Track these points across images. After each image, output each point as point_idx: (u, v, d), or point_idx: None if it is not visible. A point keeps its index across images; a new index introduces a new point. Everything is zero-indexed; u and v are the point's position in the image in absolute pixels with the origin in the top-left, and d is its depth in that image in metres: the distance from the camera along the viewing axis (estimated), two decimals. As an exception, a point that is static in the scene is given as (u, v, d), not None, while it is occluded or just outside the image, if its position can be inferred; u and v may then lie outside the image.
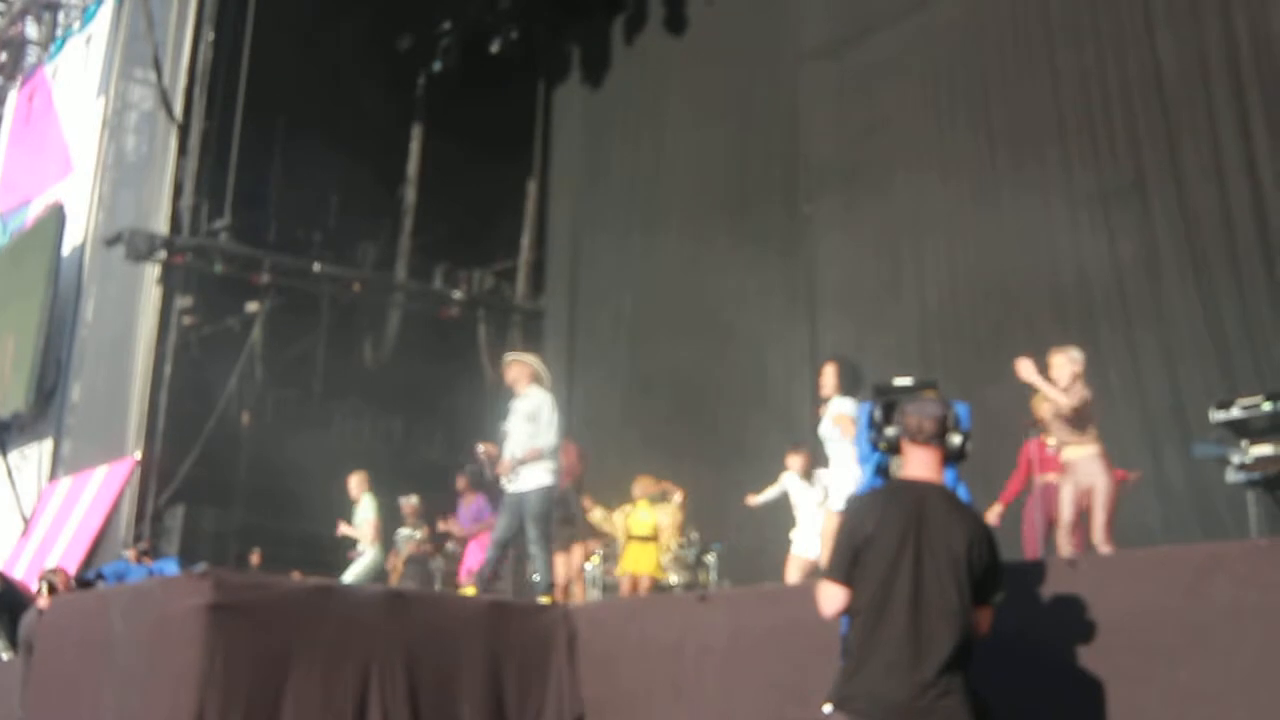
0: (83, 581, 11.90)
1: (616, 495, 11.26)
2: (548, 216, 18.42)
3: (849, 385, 7.80)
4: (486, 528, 11.25)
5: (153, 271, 15.66)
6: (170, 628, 6.64)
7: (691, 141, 15.37)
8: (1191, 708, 4.78)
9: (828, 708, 3.93)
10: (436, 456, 17.79)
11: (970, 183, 11.89)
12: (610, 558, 11.49)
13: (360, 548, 11.72)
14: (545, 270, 18.42)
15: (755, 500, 9.85)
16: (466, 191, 17.60)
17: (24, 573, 14.64)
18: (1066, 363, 7.39)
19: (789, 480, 9.50)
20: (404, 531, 12.27)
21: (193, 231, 15.79)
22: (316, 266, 16.98)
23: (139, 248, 15.21)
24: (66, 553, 15.03)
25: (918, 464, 4.19)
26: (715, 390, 13.28)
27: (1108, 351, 10.24)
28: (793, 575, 8.75)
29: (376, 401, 18.14)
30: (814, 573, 8.51)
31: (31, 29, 23.23)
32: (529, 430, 8.45)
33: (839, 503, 7.63)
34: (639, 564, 10.76)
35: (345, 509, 11.91)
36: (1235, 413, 7.97)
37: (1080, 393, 7.27)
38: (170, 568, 11.65)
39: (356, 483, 11.73)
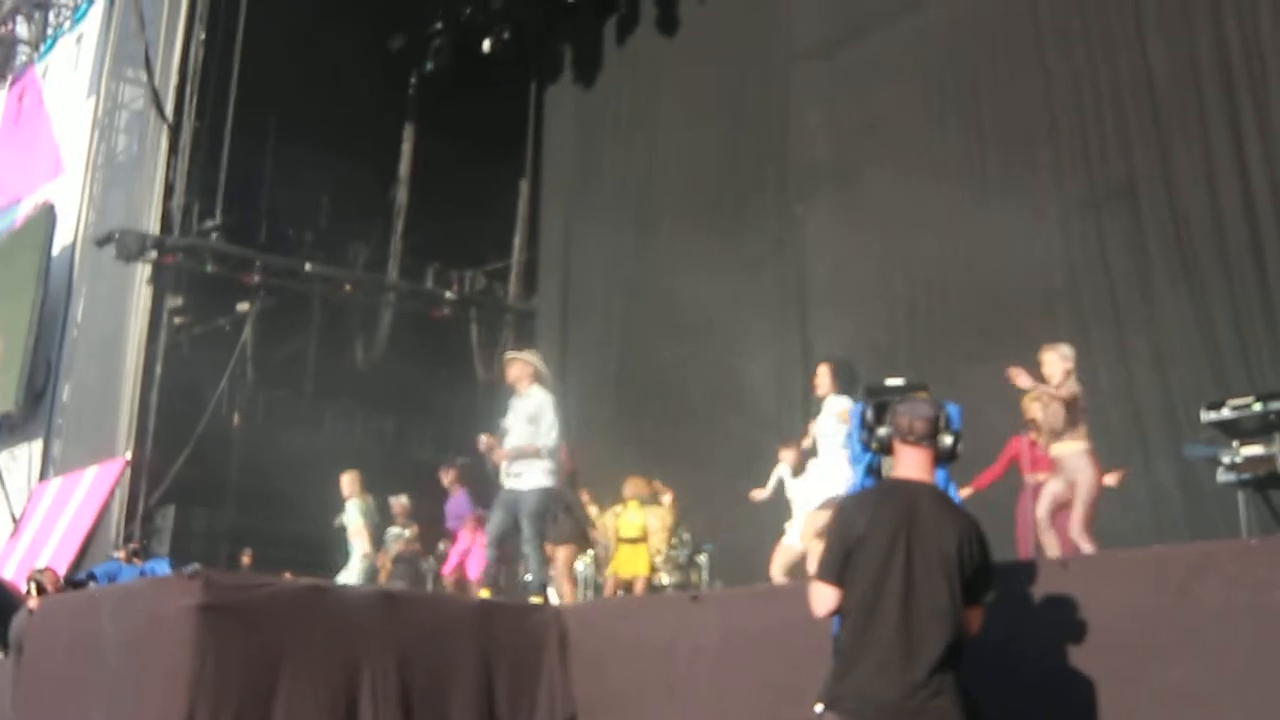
0: (74, 582, 11.89)
1: (607, 496, 11.27)
2: (540, 216, 18.40)
3: (844, 385, 7.82)
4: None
5: (143, 271, 15.62)
6: (161, 628, 6.62)
7: (683, 142, 15.37)
8: (1183, 708, 4.79)
9: (819, 708, 3.93)
10: (428, 457, 17.75)
11: (961, 184, 11.90)
12: (603, 559, 11.48)
13: (352, 548, 11.70)
14: (537, 270, 18.41)
15: (759, 495, 9.85)
16: (458, 191, 17.57)
17: (14, 573, 14.62)
18: (1058, 359, 7.41)
19: (782, 472, 9.52)
20: (393, 530, 12.26)
21: (183, 231, 15.75)
22: (308, 266, 16.95)
23: (130, 247, 15.18)
24: (56, 553, 14.98)
25: (909, 464, 4.20)
26: (707, 390, 13.28)
27: (1098, 353, 10.26)
28: (777, 566, 8.73)
29: (368, 402, 18.11)
30: (798, 566, 8.53)
31: (22, 28, 23.18)
32: (529, 431, 8.41)
33: (823, 500, 7.65)
34: (628, 566, 10.77)
35: (337, 509, 11.90)
36: (1226, 413, 8.02)
37: (1072, 388, 7.28)
38: (162, 568, 11.64)
39: (348, 482, 11.71)
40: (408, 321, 18.19)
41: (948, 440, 4.21)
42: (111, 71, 18.34)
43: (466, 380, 18.18)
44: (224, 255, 16.07)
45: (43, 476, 17.56)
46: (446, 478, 11.89)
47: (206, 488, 15.73)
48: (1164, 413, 9.84)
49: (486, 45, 17.11)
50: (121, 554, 13.19)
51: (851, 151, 13.08)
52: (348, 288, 17.61)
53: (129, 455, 15.02)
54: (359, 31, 17.05)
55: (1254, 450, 7.88)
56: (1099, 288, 10.60)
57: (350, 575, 11.46)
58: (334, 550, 12.09)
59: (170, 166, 15.79)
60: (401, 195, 18.42)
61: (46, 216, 18.52)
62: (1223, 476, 8.12)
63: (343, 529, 11.78)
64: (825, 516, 7.62)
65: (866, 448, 4.79)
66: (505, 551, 8.49)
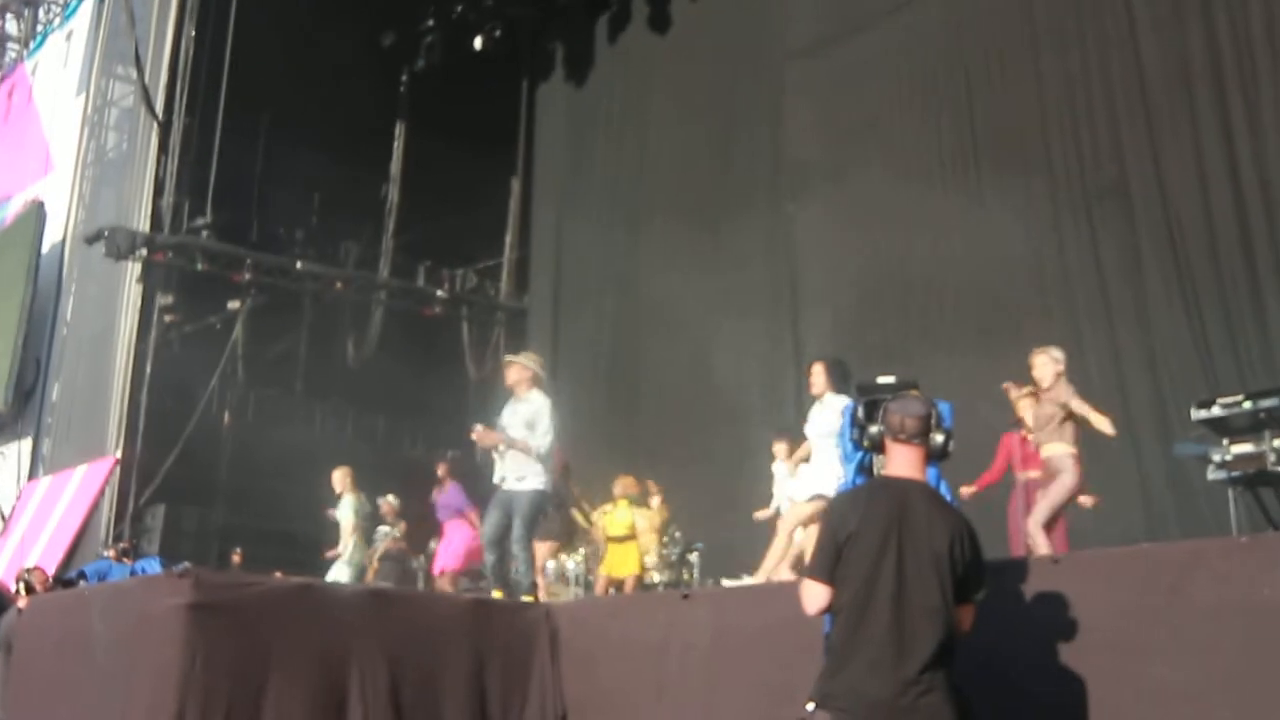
0: (64, 581, 11.85)
1: (598, 494, 11.28)
2: (531, 215, 18.40)
3: (839, 384, 7.82)
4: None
5: (133, 269, 15.57)
6: (150, 627, 6.60)
7: (675, 140, 15.37)
8: (1173, 705, 4.79)
9: (810, 706, 3.93)
10: (419, 455, 17.75)
11: (953, 183, 11.92)
12: (593, 557, 11.49)
13: (341, 546, 11.68)
14: (528, 268, 18.39)
15: (762, 515, 9.88)
16: (450, 189, 17.56)
17: (2, 572, 14.54)
18: (1049, 361, 7.41)
19: (777, 469, 9.54)
20: (382, 529, 12.25)
21: (174, 229, 15.71)
22: (299, 265, 16.92)
23: (119, 245, 15.13)
24: (45, 552, 14.93)
25: (900, 462, 4.19)
26: (698, 388, 13.28)
27: (1090, 351, 10.28)
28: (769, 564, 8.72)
29: (359, 400, 18.10)
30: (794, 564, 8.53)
31: (11, 25, 23.13)
32: (526, 435, 8.40)
33: (810, 494, 7.64)
34: (617, 566, 10.78)
35: (328, 506, 11.87)
36: (1216, 411, 8.01)
37: (1062, 393, 7.26)
38: (152, 567, 11.60)
39: (340, 478, 11.68)
40: (399, 320, 18.18)
41: (939, 438, 4.21)
42: (101, 68, 18.29)
43: (458, 379, 18.18)
44: (214, 253, 16.04)
45: (32, 475, 17.50)
46: (440, 470, 11.90)
47: (197, 486, 15.70)
48: (1155, 411, 9.86)
49: (478, 43, 17.09)
50: (111, 553, 13.15)
51: (843, 150, 13.09)
52: (339, 286, 17.59)
53: (119, 454, 14.98)
54: (350, 29, 17.03)
55: (1244, 448, 7.87)
56: (1091, 286, 10.62)
57: (339, 573, 11.44)
58: (325, 548, 12.06)
59: (160, 164, 15.74)
60: (393, 193, 18.42)
61: (36, 214, 18.46)
62: (1213, 474, 8.11)
63: (335, 523, 11.76)
64: (809, 509, 7.65)
65: (858, 446, 4.79)
66: (506, 550, 8.48)
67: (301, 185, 17.32)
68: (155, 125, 15.78)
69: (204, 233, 15.88)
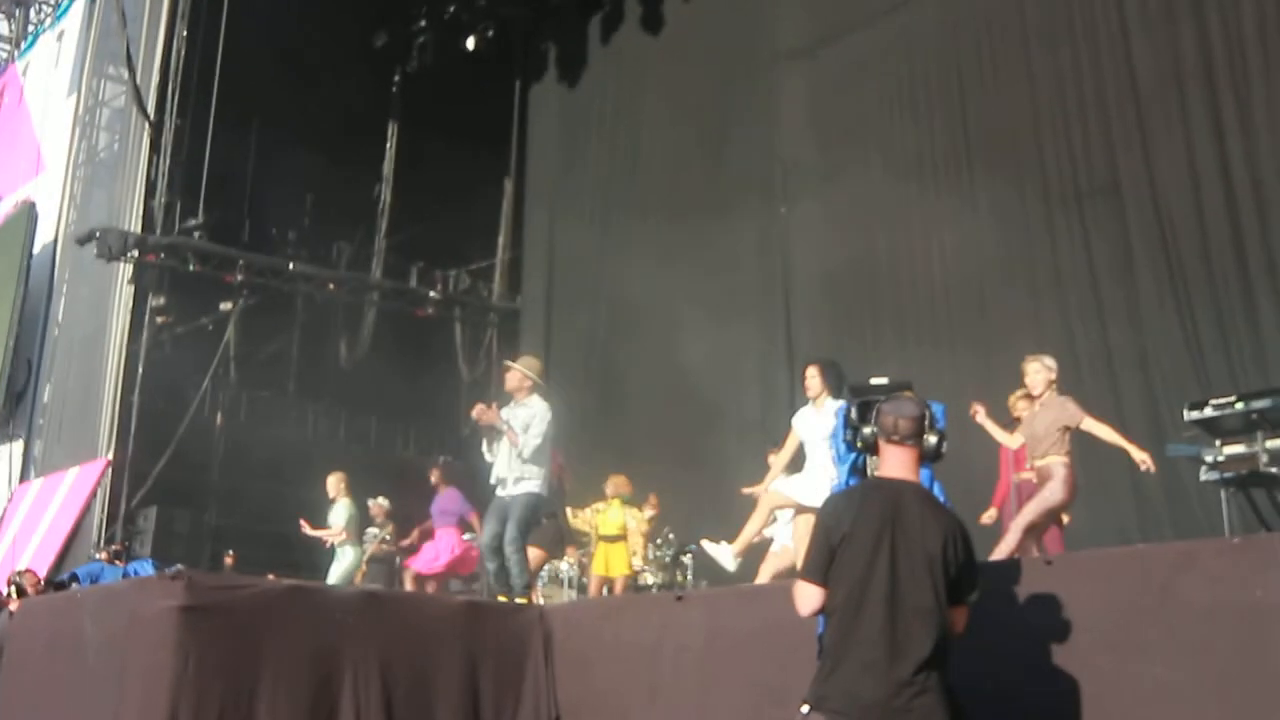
0: (57, 583, 11.82)
1: (590, 495, 11.28)
2: (524, 215, 18.39)
3: (834, 386, 7.81)
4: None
5: (125, 270, 15.53)
6: (142, 629, 6.58)
7: (667, 141, 15.37)
8: (1165, 706, 4.80)
9: (805, 708, 3.92)
10: (412, 456, 17.75)
11: (946, 183, 11.93)
12: (586, 558, 11.47)
13: (337, 550, 11.66)
14: (521, 269, 18.38)
15: (750, 490, 9.87)
16: (442, 190, 17.56)
17: (-6, 574, 14.50)
18: (1041, 369, 7.40)
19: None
20: (372, 530, 12.22)
21: (165, 230, 15.68)
22: (291, 265, 16.89)
23: (111, 246, 15.09)
24: (37, 555, 14.89)
25: (894, 463, 4.19)
26: (690, 389, 13.27)
27: (1082, 351, 10.29)
28: (766, 573, 8.74)
29: (351, 401, 18.08)
30: (788, 573, 8.53)
31: (2, 25, 23.06)
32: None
33: (812, 501, 7.63)
34: (609, 566, 10.78)
35: (320, 509, 11.84)
36: (1209, 412, 8.03)
37: (1070, 415, 7.21)
38: (145, 569, 11.58)
39: (334, 483, 11.66)
40: (391, 320, 18.16)
41: (932, 439, 4.20)
42: (93, 69, 18.24)
43: (450, 380, 18.17)
44: (206, 254, 16.00)
45: (23, 477, 17.45)
46: (434, 476, 11.89)
47: (189, 488, 15.67)
48: (1147, 412, 9.87)
49: (470, 43, 17.09)
50: (103, 555, 13.12)
51: (835, 151, 13.10)
52: (331, 287, 17.57)
53: (110, 455, 14.93)
54: (342, 29, 17.02)
55: (1236, 449, 7.90)
56: (1083, 286, 10.63)
57: (335, 576, 11.42)
58: (317, 551, 12.04)
59: (152, 164, 15.71)
60: (385, 194, 18.40)
61: (27, 215, 18.41)
62: (1205, 475, 8.15)
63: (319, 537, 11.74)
64: (794, 496, 7.64)
65: (851, 447, 4.78)
66: (503, 557, 8.49)
67: (294, 186, 17.29)
68: (147, 125, 15.74)
69: (196, 233, 15.85)
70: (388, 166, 18.51)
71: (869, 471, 4.65)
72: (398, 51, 17.99)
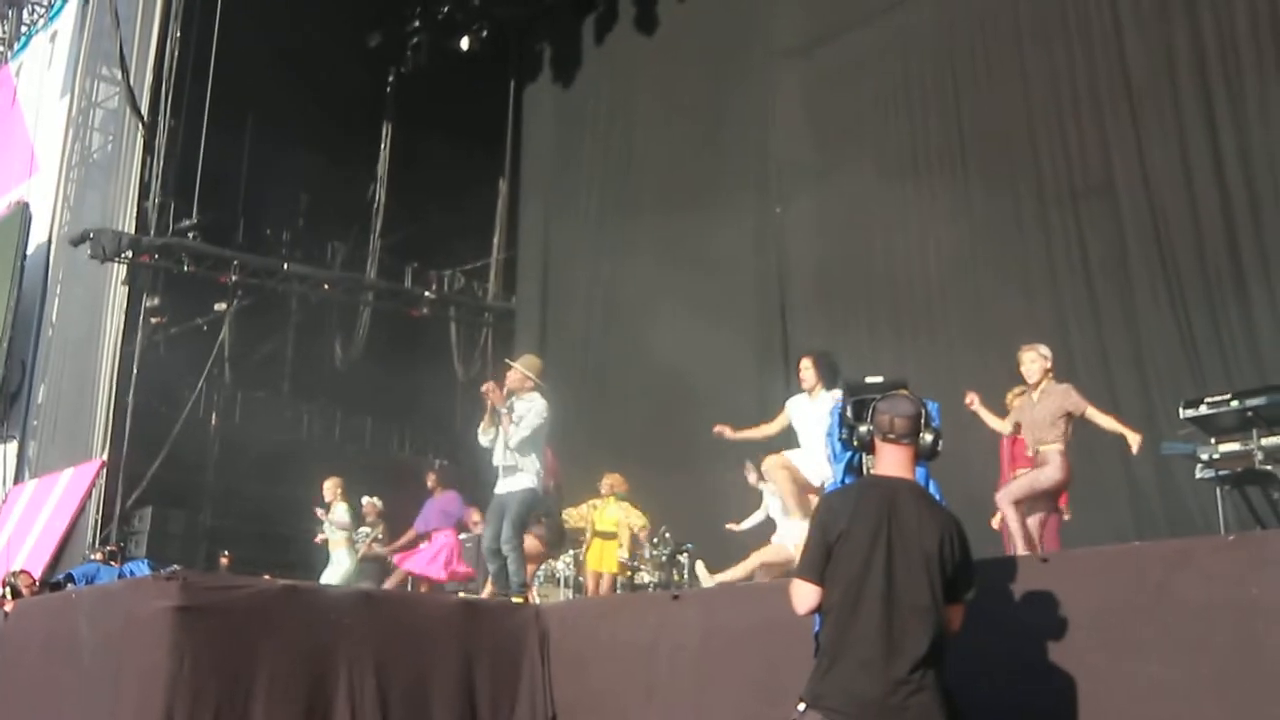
0: (52, 584, 11.80)
1: (585, 493, 11.28)
2: (518, 215, 18.37)
3: (829, 378, 7.84)
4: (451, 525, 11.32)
5: (119, 271, 15.52)
6: (137, 630, 6.57)
7: (662, 140, 15.36)
8: (1160, 704, 4.80)
9: (801, 706, 3.92)
10: (407, 457, 17.75)
11: (941, 182, 11.93)
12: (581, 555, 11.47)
13: (332, 554, 11.65)
14: (516, 269, 18.37)
15: (738, 527, 9.91)
16: (437, 190, 17.55)
17: (-12, 576, 14.47)
18: (1037, 358, 7.42)
19: (765, 489, 9.54)
20: (363, 530, 12.20)
21: (159, 231, 15.66)
22: (285, 266, 16.87)
23: (105, 247, 15.08)
24: (32, 556, 14.87)
25: (890, 462, 4.19)
26: (686, 388, 13.26)
27: (1077, 349, 10.29)
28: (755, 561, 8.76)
29: (346, 402, 18.08)
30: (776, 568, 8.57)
31: (-5, 26, 22.99)
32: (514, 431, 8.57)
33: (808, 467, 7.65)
34: (603, 561, 10.79)
35: (314, 510, 11.85)
36: (1204, 410, 8.04)
37: (1072, 402, 7.23)
38: (141, 570, 11.55)
39: (331, 487, 11.64)
40: (386, 321, 18.16)
41: (928, 438, 4.20)
42: (86, 69, 18.22)
43: (445, 380, 18.15)
44: (201, 255, 15.99)
45: (18, 479, 17.42)
46: (430, 480, 11.91)
47: (184, 489, 15.67)
48: (1142, 410, 9.86)
49: (465, 43, 17.07)
50: (99, 556, 13.10)
51: (830, 150, 13.09)
52: (326, 287, 17.55)
53: (105, 456, 14.93)
54: (336, 29, 17.00)
55: (1231, 447, 7.91)
56: (1077, 284, 10.63)
57: (333, 576, 11.41)
58: (313, 551, 12.03)
59: (146, 165, 15.70)
60: (380, 194, 18.37)
61: (21, 215, 18.37)
62: (1201, 473, 8.15)
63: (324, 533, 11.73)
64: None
65: (847, 445, 4.78)
66: (504, 557, 8.55)
67: (288, 186, 17.28)
68: (140, 126, 15.73)
69: (190, 234, 15.84)
70: (382, 167, 18.48)
71: (865, 470, 4.66)
72: (392, 51, 17.97)
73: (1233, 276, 9.54)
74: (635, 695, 6.87)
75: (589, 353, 15.81)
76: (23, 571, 12.77)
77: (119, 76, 16.41)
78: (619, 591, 10.80)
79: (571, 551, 11.49)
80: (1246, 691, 4.61)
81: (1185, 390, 8.97)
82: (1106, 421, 7.27)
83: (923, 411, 4.20)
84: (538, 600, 10.49)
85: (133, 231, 15.39)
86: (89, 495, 14.89)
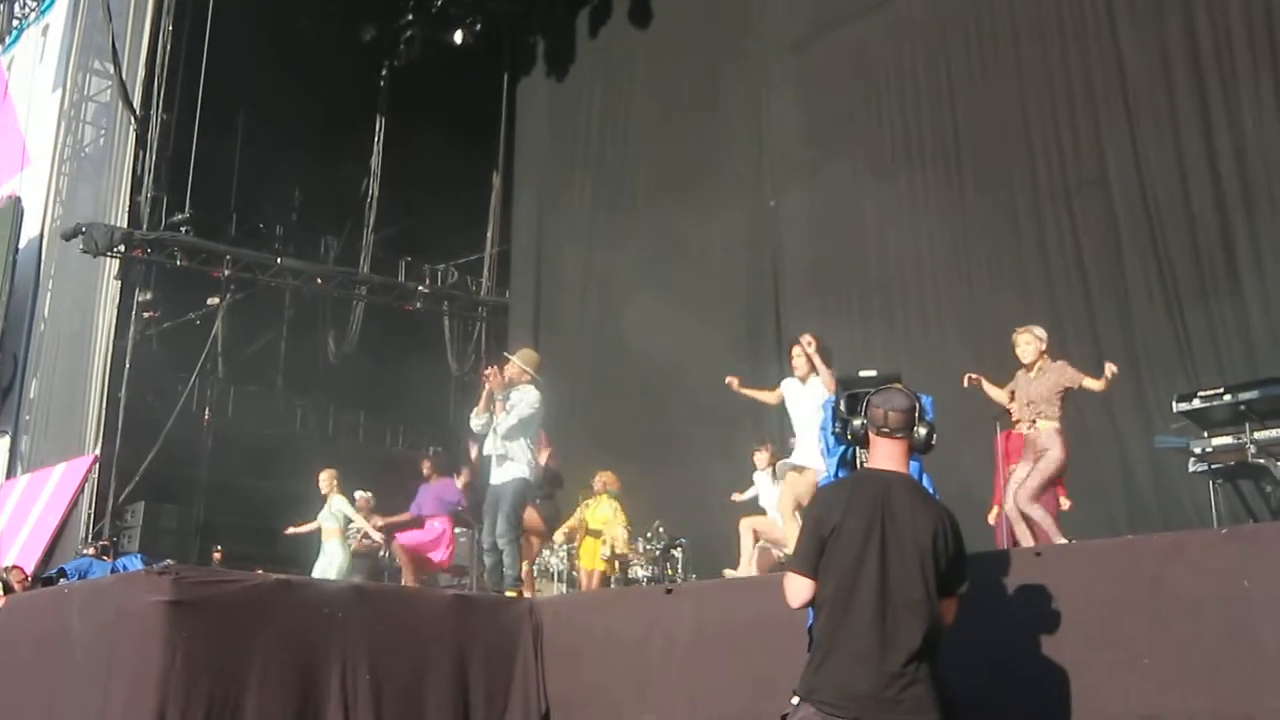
0: (45, 579, 11.79)
1: (578, 489, 11.28)
2: (512, 209, 18.34)
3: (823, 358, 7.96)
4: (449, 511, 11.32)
5: (111, 265, 15.48)
6: (129, 624, 6.56)
7: (656, 134, 15.34)
8: (1153, 696, 4.82)
9: (795, 699, 3.92)
10: (400, 451, 17.73)
11: (935, 176, 11.92)
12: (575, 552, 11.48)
13: (324, 545, 11.62)
14: (510, 263, 18.34)
15: (739, 497, 9.98)
16: (430, 184, 17.53)
17: (-19, 571, 14.44)
18: (1032, 340, 7.44)
19: (758, 479, 9.60)
20: (354, 525, 12.18)
21: (152, 225, 15.62)
22: (279, 260, 16.83)
23: (97, 241, 15.04)
24: (24, 551, 14.84)
25: (884, 455, 4.18)
26: (680, 382, 13.26)
27: (1071, 343, 10.28)
28: (756, 565, 8.83)
29: (339, 396, 18.06)
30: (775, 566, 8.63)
31: (-14, 19, 22.89)
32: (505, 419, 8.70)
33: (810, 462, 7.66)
34: (595, 559, 10.80)
35: (309, 504, 11.81)
36: (1197, 404, 8.05)
37: (1066, 376, 7.27)
38: (134, 564, 11.56)
39: (326, 479, 11.61)
40: (380, 315, 18.13)
41: (922, 431, 4.20)
42: (78, 63, 18.15)
43: (439, 374, 18.13)
44: (193, 249, 15.95)
45: (10, 473, 17.38)
46: (425, 467, 11.92)
47: (176, 483, 15.64)
48: (1136, 403, 9.88)
49: (458, 37, 17.03)
50: (91, 551, 13.09)
51: (825, 143, 13.08)
52: (319, 281, 17.51)
53: (98, 451, 14.89)
54: (329, 23, 16.95)
55: (1224, 440, 7.93)
56: (1071, 278, 10.64)
57: (328, 569, 11.37)
58: (306, 546, 12.00)
59: (138, 159, 15.66)
60: (373, 188, 18.33)
61: (13, 209, 18.32)
62: (1194, 467, 8.17)
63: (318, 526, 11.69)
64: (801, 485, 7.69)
65: (840, 439, 4.78)
66: (499, 551, 8.62)
67: (281, 181, 17.26)
68: (133, 120, 15.69)
69: (182, 228, 15.80)
70: (375, 161, 18.43)
71: (858, 464, 4.65)
72: (385, 46, 17.92)
73: (1226, 271, 9.55)
74: (628, 689, 6.87)
75: (582, 346, 15.79)
76: (15, 567, 12.76)
77: (111, 70, 16.37)
78: (612, 586, 10.81)
79: (565, 547, 11.49)
80: (1236, 683, 4.62)
81: (1178, 384, 8.98)
82: (1099, 385, 7.32)
83: (917, 405, 4.20)
84: (536, 577, 10.56)
85: (125, 226, 15.35)
86: (81, 490, 14.86)
